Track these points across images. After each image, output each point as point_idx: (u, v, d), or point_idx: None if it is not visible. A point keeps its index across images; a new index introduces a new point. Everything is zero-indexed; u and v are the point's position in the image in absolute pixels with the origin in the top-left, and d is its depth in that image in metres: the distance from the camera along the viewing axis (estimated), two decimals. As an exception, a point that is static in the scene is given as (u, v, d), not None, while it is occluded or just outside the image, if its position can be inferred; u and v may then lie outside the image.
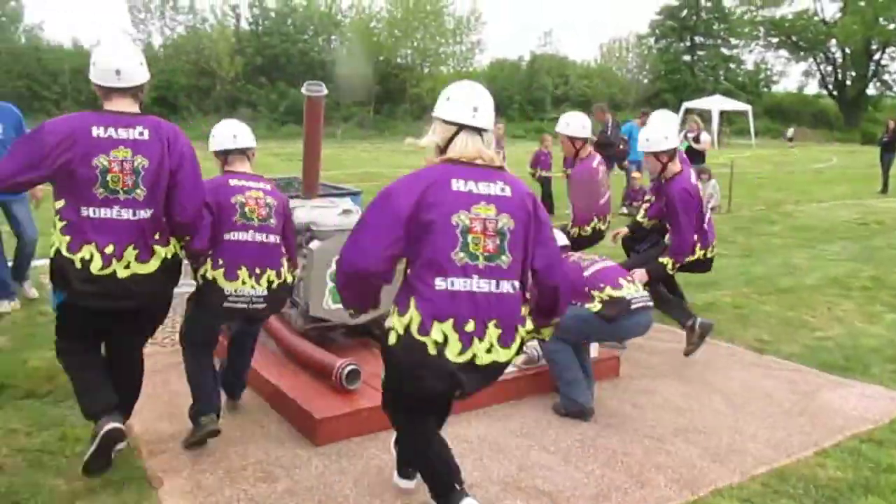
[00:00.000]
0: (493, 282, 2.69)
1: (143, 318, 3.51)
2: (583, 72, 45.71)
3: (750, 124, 37.40)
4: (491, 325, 2.69)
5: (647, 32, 48.69)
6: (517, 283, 2.76)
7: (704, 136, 13.65)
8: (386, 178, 17.81)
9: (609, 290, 4.28)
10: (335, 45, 39.26)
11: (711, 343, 5.73)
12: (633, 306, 4.28)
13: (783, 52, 51.51)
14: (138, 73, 3.39)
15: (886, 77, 49.21)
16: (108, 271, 3.17)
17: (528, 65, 45.31)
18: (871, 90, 49.47)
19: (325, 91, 5.42)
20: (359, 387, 4.13)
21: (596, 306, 4.25)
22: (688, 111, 29.54)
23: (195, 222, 3.45)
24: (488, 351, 2.69)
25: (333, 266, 4.60)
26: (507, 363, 2.81)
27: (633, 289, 4.38)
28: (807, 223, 12.21)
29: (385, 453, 3.72)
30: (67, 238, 3.16)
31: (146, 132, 3.26)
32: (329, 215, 4.87)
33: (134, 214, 3.21)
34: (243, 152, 3.95)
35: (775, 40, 50.65)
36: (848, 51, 47.76)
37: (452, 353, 2.65)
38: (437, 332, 2.65)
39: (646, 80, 47.05)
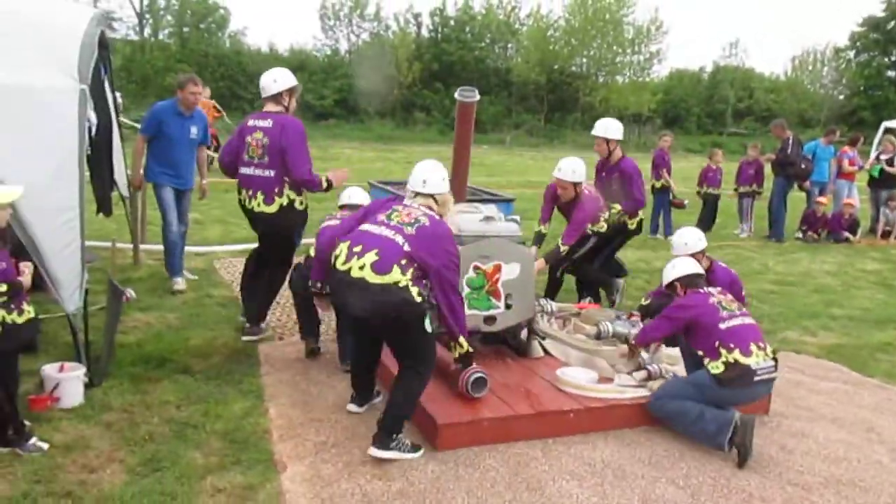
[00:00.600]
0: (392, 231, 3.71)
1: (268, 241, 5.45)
2: (770, 85, 43.02)
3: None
4: (372, 252, 3.61)
5: (847, 45, 45.00)
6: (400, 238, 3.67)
7: (901, 159, 12.43)
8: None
9: (737, 355, 3.98)
10: (511, 52, 39.53)
11: (884, 388, 5.17)
12: (756, 378, 3.97)
13: None
14: (271, 87, 5.24)
15: None
16: (248, 206, 5.27)
17: (709, 76, 43.36)
18: None
19: (478, 96, 5.46)
20: (484, 395, 4.08)
21: (718, 367, 3.98)
22: (887, 131, 26.94)
23: (305, 181, 5.12)
24: (361, 268, 3.59)
25: (471, 271, 4.61)
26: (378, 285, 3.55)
27: (761, 357, 4.03)
28: None
29: (503, 466, 3.65)
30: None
31: (270, 122, 5.12)
32: (471, 221, 4.87)
33: (263, 172, 5.12)
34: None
35: None
36: None
37: (339, 263, 3.68)
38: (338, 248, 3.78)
39: (841, 97, 43.52)
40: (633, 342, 4.62)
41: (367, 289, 3.55)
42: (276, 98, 5.22)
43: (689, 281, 4.43)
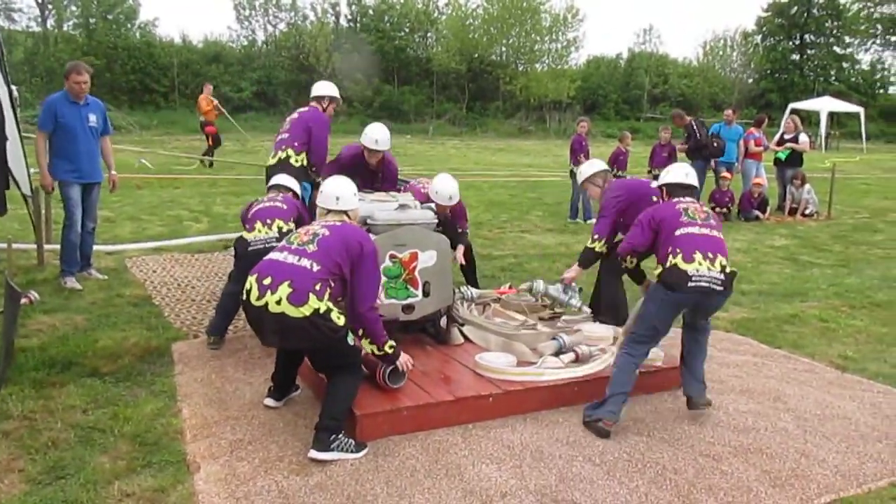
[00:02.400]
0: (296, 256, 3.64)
1: None
2: (683, 70, 44.25)
3: (861, 127, 35.29)
4: (285, 284, 3.51)
5: (754, 30, 46.68)
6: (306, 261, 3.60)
7: (803, 137, 12.97)
8: (471, 174, 17.78)
9: (678, 259, 3.97)
10: (431, 41, 39.45)
11: (790, 358, 5.39)
12: (691, 284, 3.92)
13: (903, 52, 48.42)
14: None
15: None
16: None
17: (625, 63, 44.28)
18: None
19: None
20: (402, 385, 4.06)
21: (658, 270, 4.06)
22: (793, 112, 28.15)
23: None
24: (278, 303, 3.49)
25: (387, 260, 4.57)
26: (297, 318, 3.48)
27: (704, 266, 3.94)
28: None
29: (422, 454, 3.64)
30: None
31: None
32: (385, 209, 4.82)
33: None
34: None
35: (895, 38, 47.62)
36: (977, 50, 44.48)
37: (253, 298, 3.59)
38: (248, 282, 3.67)
39: (750, 80, 45.14)
40: (618, 251, 4.49)
41: (289, 324, 3.48)
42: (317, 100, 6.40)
43: (671, 189, 4.42)
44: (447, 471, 3.49)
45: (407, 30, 38.42)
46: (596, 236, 5.35)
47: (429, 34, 39.60)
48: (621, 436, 3.92)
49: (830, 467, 3.67)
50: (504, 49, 39.30)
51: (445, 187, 5.70)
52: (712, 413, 4.29)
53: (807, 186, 12.77)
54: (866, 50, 48.53)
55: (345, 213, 4.00)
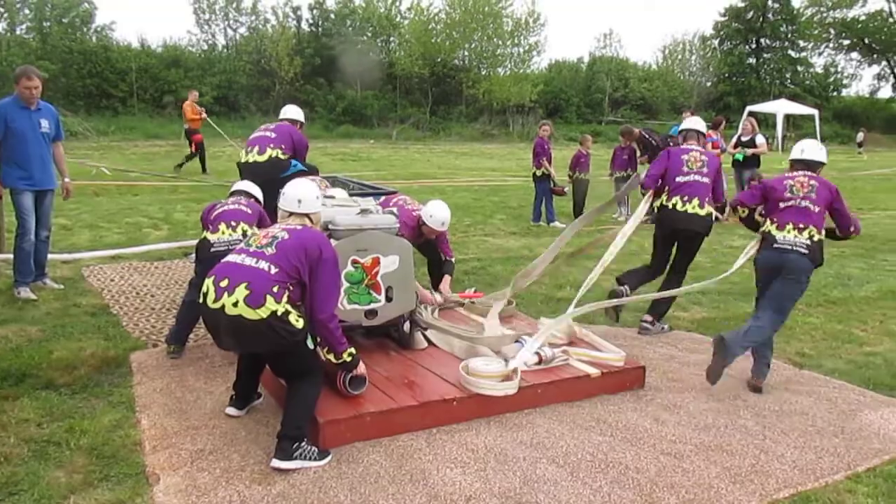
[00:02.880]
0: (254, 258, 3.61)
1: None
2: (643, 74, 44.78)
3: (816, 129, 36.08)
4: (242, 286, 3.47)
5: (712, 34, 47.48)
6: (264, 264, 3.56)
7: (759, 139, 13.20)
8: (434, 179, 17.79)
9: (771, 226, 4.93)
10: (394, 46, 39.41)
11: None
12: (775, 245, 4.83)
13: (855, 55, 49.67)
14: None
15: (966, 81, 47.04)
16: None
17: (587, 66, 44.68)
18: (948, 95, 47.33)
19: None
20: (363, 391, 4.03)
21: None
22: (750, 114, 28.67)
23: None
24: (235, 304, 3.45)
25: (349, 266, 4.55)
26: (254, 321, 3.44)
27: (791, 234, 4.82)
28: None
29: (386, 460, 3.62)
30: None
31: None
32: (347, 214, 4.79)
33: None
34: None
35: (847, 42, 48.82)
36: (925, 54, 45.78)
37: (209, 300, 3.54)
38: (205, 285, 3.62)
39: (709, 83, 45.86)
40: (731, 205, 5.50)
41: (246, 326, 3.45)
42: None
43: (792, 163, 5.24)
44: (411, 476, 3.47)
45: (369, 34, 38.32)
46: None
47: (391, 39, 39.55)
48: (584, 436, 3.95)
49: (789, 462, 3.73)
50: (467, 53, 39.40)
51: (440, 213, 5.80)
52: (675, 412, 4.34)
53: (764, 187, 12.99)
54: (820, 53, 49.71)
55: (306, 216, 3.95)
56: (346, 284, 4.56)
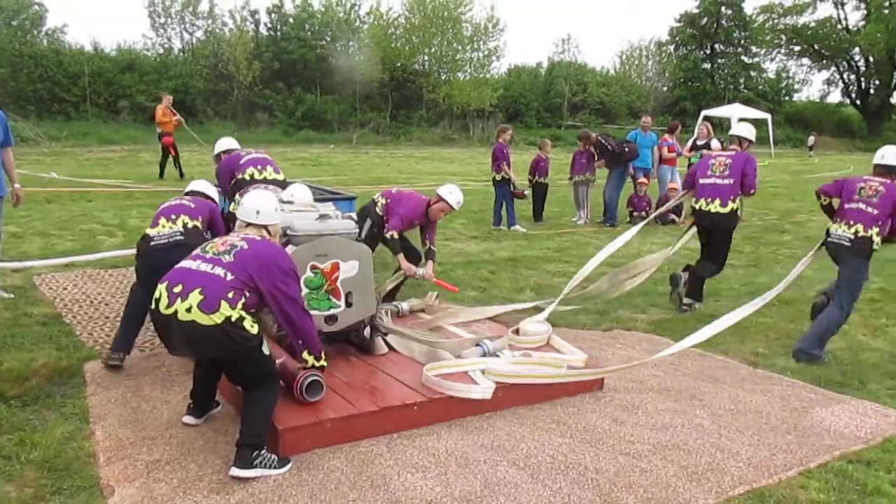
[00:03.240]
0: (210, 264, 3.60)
1: None
2: (601, 79, 45.33)
3: (769, 133, 36.92)
4: (196, 291, 3.46)
5: (668, 40, 48.28)
6: (220, 270, 3.57)
7: (714, 143, 13.43)
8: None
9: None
10: (353, 50, 39.27)
11: (705, 356, 5.57)
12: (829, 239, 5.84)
13: (805, 61, 50.91)
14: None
15: (911, 86, 48.49)
16: None
17: (546, 71, 45.06)
18: (894, 99, 48.70)
19: None
20: (321, 398, 4.00)
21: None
22: (705, 118, 29.20)
23: None
24: (188, 310, 3.43)
25: (309, 271, 4.52)
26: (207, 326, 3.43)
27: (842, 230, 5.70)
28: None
29: (347, 466, 3.60)
30: None
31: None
32: (305, 220, 4.76)
33: None
34: None
35: (797, 48, 50.04)
36: (871, 59, 47.05)
37: (162, 306, 3.51)
38: (158, 291, 3.59)
39: (665, 88, 46.61)
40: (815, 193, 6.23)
41: (199, 332, 3.42)
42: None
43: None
44: (372, 482, 3.46)
45: (329, 39, 38.13)
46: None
47: (351, 43, 39.41)
48: (545, 438, 3.98)
49: (744, 460, 3.80)
50: (426, 58, 39.46)
51: (458, 193, 6.32)
52: (633, 413, 4.40)
53: (719, 190, 13.24)
54: (772, 59, 50.89)
55: (264, 227, 3.95)
56: (305, 290, 4.53)
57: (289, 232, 4.68)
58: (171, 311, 3.46)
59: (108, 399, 4.39)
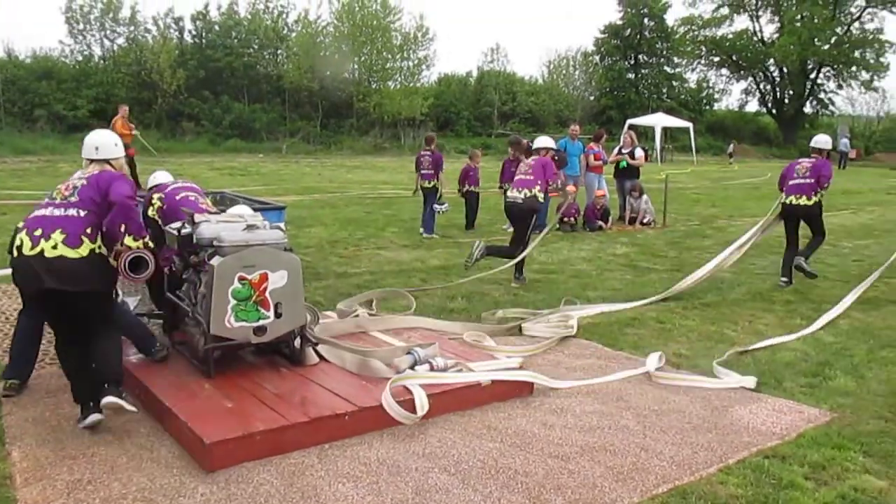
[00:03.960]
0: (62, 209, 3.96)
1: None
2: (530, 88, 46.00)
3: (691, 141, 38.15)
4: (56, 231, 3.82)
5: (593, 50, 49.35)
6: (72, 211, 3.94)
7: (638, 152, 13.83)
8: (326, 193, 17.64)
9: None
10: (282, 58, 38.83)
11: (631, 359, 5.72)
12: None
13: (724, 71, 52.78)
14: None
15: (822, 96, 50.78)
16: None
17: (475, 80, 45.47)
18: (807, 108, 50.95)
19: None
20: (146, 276, 4.07)
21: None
22: (630, 127, 30.02)
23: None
24: (54, 247, 3.79)
25: (236, 282, 4.46)
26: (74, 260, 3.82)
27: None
28: (737, 237, 12.37)
29: (277, 479, 3.57)
30: None
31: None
32: (232, 231, 4.70)
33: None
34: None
35: (717, 59, 51.86)
36: (785, 70, 49.15)
37: (26, 249, 3.82)
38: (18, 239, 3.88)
39: (592, 97, 47.63)
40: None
41: (67, 266, 3.81)
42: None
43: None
44: (303, 493, 3.44)
45: (256, 46, 37.62)
46: None
47: (279, 51, 38.97)
48: (476, 444, 4.02)
49: (667, 458, 3.93)
50: (356, 67, 39.33)
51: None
52: (561, 416, 4.49)
53: (644, 197, 13.63)
54: (693, 69, 52.50)
55: (105, 161, 4.31)
56: (233, 302, 4.48)
57: (216, 243, 4.61)
58: (36, 251, 3.80)
59: (24, 418, 4.23)
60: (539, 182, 8.15)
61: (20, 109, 29.94)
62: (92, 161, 4.28)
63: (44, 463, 3.69)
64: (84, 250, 3.85)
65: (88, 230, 3.91)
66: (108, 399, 3.85)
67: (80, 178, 4.14)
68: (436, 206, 11.70)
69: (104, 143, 4.35)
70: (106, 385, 3.96)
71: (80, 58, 34.74)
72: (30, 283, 3.93)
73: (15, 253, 3.87)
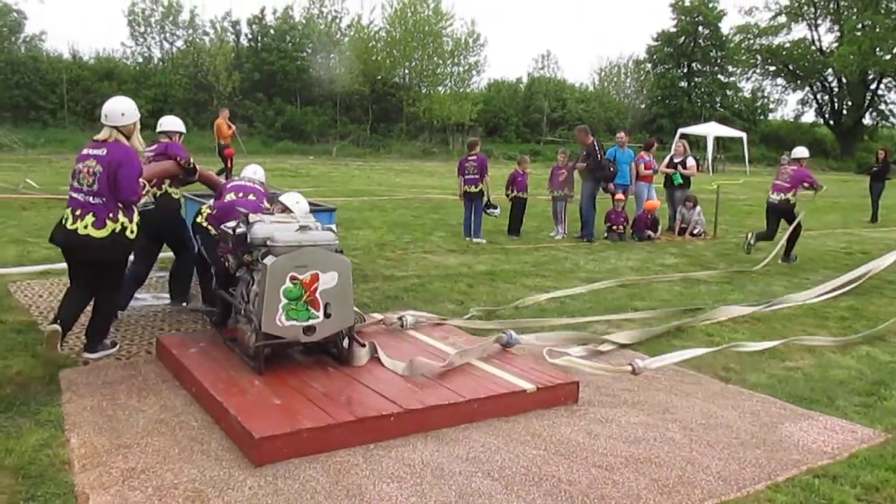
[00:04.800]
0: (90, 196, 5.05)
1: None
2: (580, 95, 45.79)
3: (744, 151, 37.47)
4: (88, 216, 4.98)
5: (645, 58, 48.88)
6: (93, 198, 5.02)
7: (690, 161, 13.65)
8: (374, 196, 17.82)
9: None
10: (334, 62, 39.36)
11: (678, 371, 5.65)
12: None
13: (780, 81, 51.78)
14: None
15: (882, 107, 49.45)
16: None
17: (525, 87, 45.42)
18: (867, 120, 49.68)
19: None
20: None
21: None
22: (682, 136, 29.62)
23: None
24: (85, 227, 4.96)
25: (288, 282, 4.55)
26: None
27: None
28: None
29: (323, 476, 3.63)
30: None
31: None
32: (285, 231, 4.79)
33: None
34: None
35: (772, 68, 50.89)
36: (844, 80, 47.97)
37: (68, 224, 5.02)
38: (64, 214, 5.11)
39: (643, 105, 47.15)
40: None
41: (94, 242, 4.96)
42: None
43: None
44: (348, 491, 3.49)
45: (309, 50, 38.20)
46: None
47: (332, 55, 39.51)
48: (520, 450, 4.03)
49: (713, 473, 3.87)
50: (407, 72, 39.64)
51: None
52: (606, 426, 4.46)
53: (697, 208, 13.45)
54: (747, 79, 51.65)
55: (114, 128, 5.11)
56: (284, 301, 4.57)
57: (269, 242, 4.71)
58: (73, 227, 4.96)
59: (83, 407, 4.38)
60: (793, 188, 10.88)
61: (83, 108, 30.93)
62: (104, 126, 5.15)
63: (100, 450, 3.81)
64: (107, 231, 4.95)
65: (110, 215, 4.98)
66: (85, 355, 5.22)
67: (96, 161, 5.03)
68: (489, 210, 11.77)
69: (111, 111, 5.16)
70: (89, 338, 5.32)
71: (141, 59, 35.81)
72: (67, 249, 5.15)
73: (62, 223, 5.03)
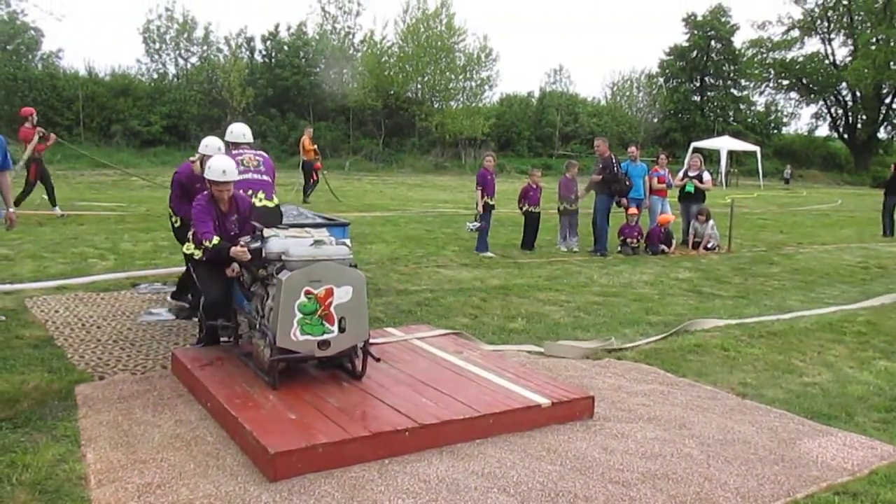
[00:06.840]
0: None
1: None
2: (592, 109, 45.81)
3: (758, 165, 37.34)
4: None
5: (658, 72, 48.88)
6: None
7: (706, 176, 13.61)
8: (387, 210, 17.86)
9: None
10: (347, 78, 39.59)
11: (694, 386, 5.61)
12: None
13: (794, 95, 51.62)
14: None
15: (897, 121, 49.24)
16: None
17: (537, 101, 45.50)
18: (881, 134, 49.44)
19: None
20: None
21: None
22: (695, 150, 29.55)
23: None
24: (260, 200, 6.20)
25: (303, 296, 4.56)
26: None
27: None
28: (807, 266, 12.06)
29: (338, 491, 3.62)
30: None
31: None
32: (300, 245, 4.81)
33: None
34: None
35: (786, 82, 50.76)
36: (859, 94, 47.77)
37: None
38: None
39: (655, 119, 47.11)
40: None
41: (269, 210, 6.20)
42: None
43: None
44: (363, 507, 3.48)
45: (323, 66, 38.44)
46: None
47: (345, 71, 39.74)
48: (535, 466, 4.00)
49: (731, 490, 3.83)
50: (419, 87, 39.82)
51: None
52: (622, 441, 4.43)
53: (711, 222, 13.40)
54: (761, 93, 51.55)
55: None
56: (299, 315, 4.58)
57: (283, 257, 4.73)
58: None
59: (99, 422, 4.39)
60: None
61: (98, 125, 31.24)
62: (240, 144, 6.62)
63: (116, 465, 3.82)
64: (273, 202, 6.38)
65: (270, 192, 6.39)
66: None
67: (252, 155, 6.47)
68: (468, 223, 11.89)
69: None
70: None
71: (156, 76, 36.09)
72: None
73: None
